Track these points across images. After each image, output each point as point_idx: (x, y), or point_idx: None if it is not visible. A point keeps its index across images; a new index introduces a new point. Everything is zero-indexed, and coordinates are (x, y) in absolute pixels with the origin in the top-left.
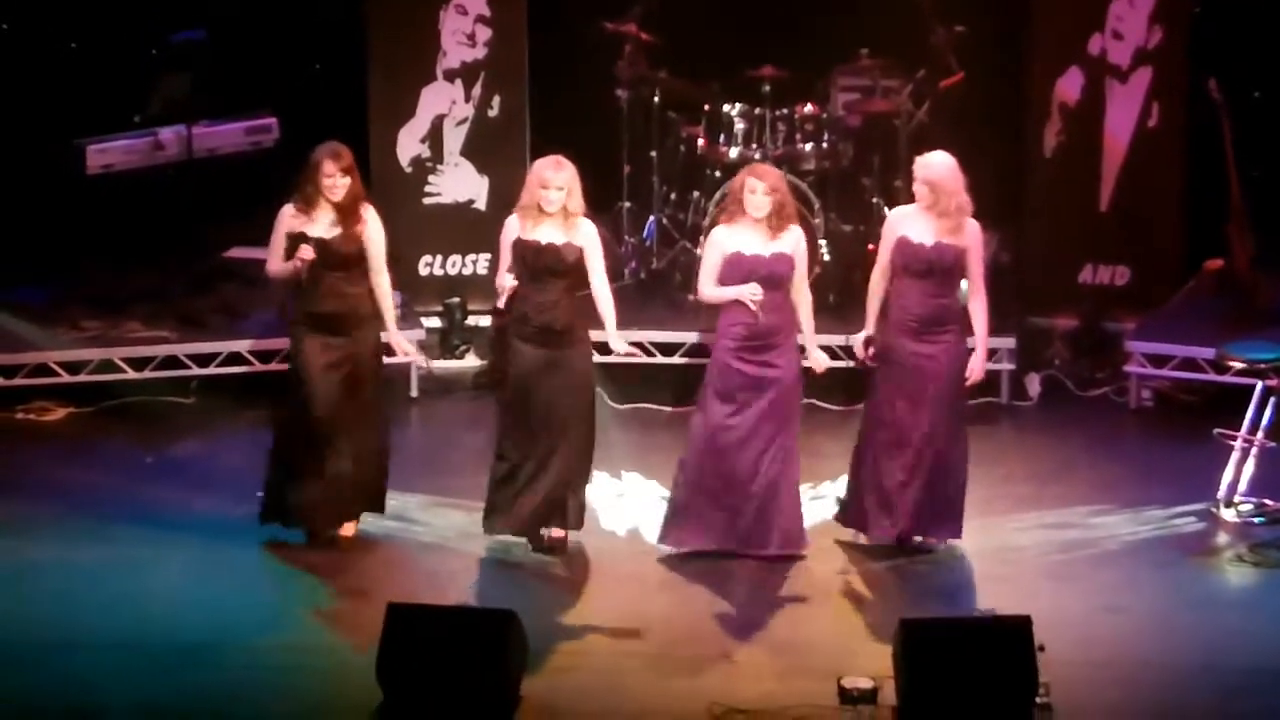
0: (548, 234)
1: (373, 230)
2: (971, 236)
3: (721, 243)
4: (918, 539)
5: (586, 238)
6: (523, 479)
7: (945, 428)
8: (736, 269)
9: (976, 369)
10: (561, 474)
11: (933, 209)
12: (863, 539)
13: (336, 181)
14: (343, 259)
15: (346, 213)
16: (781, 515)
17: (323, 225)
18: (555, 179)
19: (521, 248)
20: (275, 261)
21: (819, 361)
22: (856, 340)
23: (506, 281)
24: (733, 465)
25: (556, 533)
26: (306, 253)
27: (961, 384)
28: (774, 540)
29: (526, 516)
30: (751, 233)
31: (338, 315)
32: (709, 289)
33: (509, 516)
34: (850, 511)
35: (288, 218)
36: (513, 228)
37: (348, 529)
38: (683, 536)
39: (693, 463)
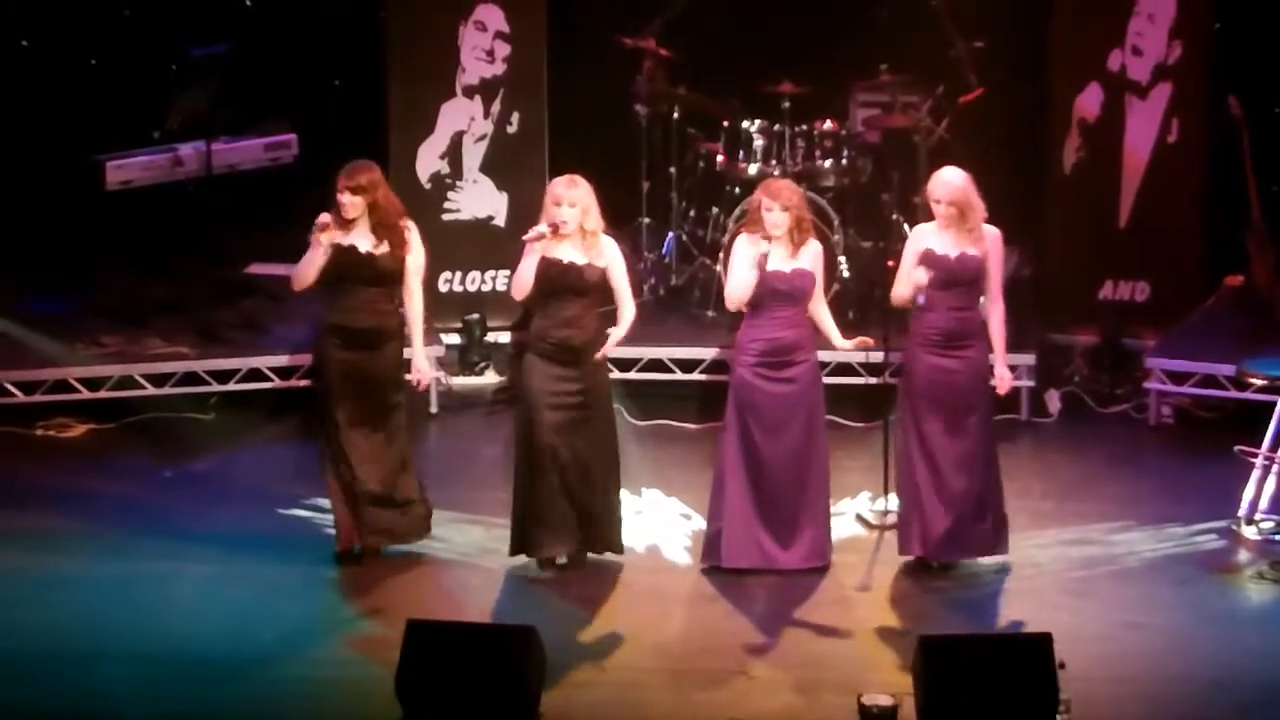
0: (569, 253)
1: (414, 251)
2: (992, 243)
3: (747, 251)
4: (949, 559)
5: (610, 258)
6: (547, 501)
7: (975, 442)
8: (759, 283)
9: (1006, 379)
10: (591, 496)
11: (958, 226)
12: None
13: (345, 200)
14: (379, 275)
15: (387, 231)
16: (811, 528)
17: (364, 240)
18: (569, 195)
19: (544, 266)
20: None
21: (842, 344)
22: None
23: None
24: (765, 484)
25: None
26: (324, 217)
27: (988, 397)
28: (801, 553)
29: (561, 540)
30: (773, 247)
31: (367, 330)
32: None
33: (538, 541)
34: (899, 531)
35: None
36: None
37: (377, 550)
38: (727, 555)
39: (726, 483)
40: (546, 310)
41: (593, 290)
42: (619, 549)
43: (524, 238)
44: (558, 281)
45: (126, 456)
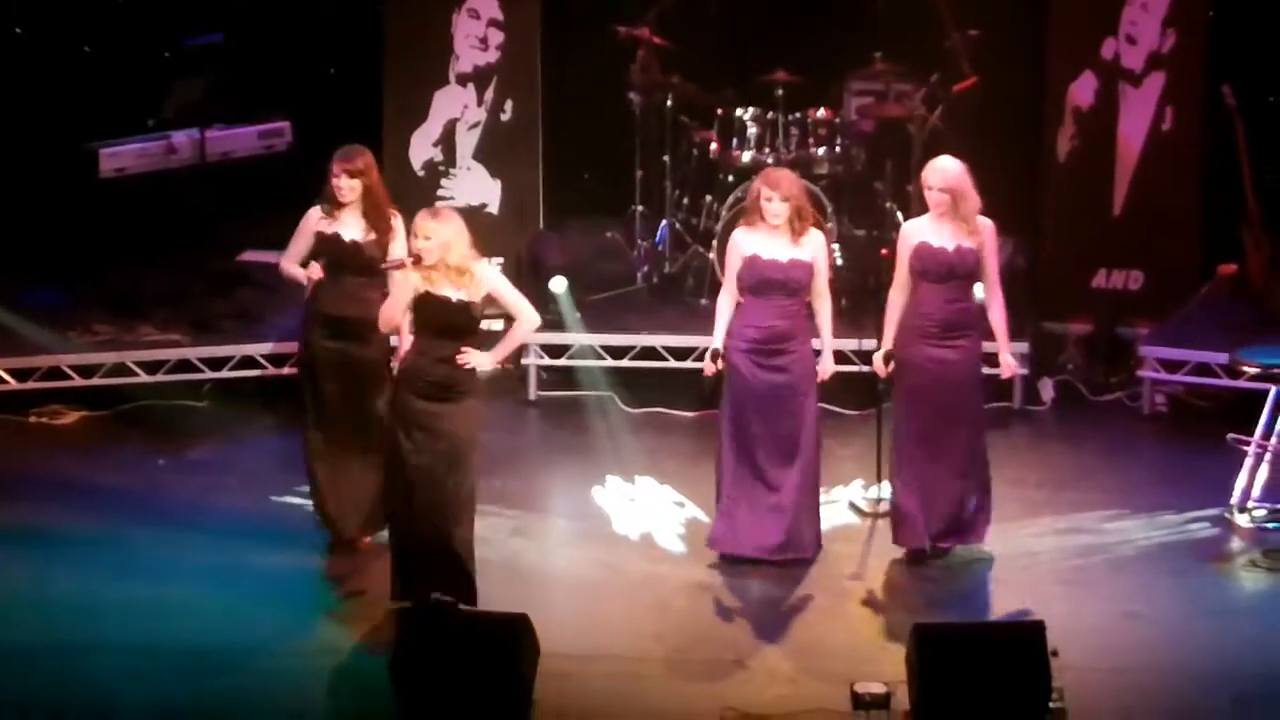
0: (449, 290)
1: (399, 238)
2: (987, 235)
3: (740, 245)
4: (942, 545)
5: (490, 284)
6: (414, 543)
7: (968, 430)
8: (752, 271)
9: (1010, 365)
10: (445, 541)
11: (952, 215)
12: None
13: (343, 183)
14: (367, 263)
15: (375, 218)
16: (804, 521)
17: (352, 228)
18: (424, 227)
19: (423, 300)
20: (289, 261)
21: (825, 369)
22: (877, 358)
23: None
24: (758, 471)
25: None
26: (315, 271)
27: (981, 386)
28: (790, 544)
29: (424, 589)
30: (770, 237)
31: (354, 319)
32: (723, 295)
33: (411, 585)
34: (892, 519)
35: (314, 219)
36: (410, 280)
37: (366, 539)
38: (724, 541)
39: (721, 470)
40: (426, 346)
41: (476, 329)
42: (473, 599)
43: (381, 266)
44: (438, 319)
45: (120, 444)
